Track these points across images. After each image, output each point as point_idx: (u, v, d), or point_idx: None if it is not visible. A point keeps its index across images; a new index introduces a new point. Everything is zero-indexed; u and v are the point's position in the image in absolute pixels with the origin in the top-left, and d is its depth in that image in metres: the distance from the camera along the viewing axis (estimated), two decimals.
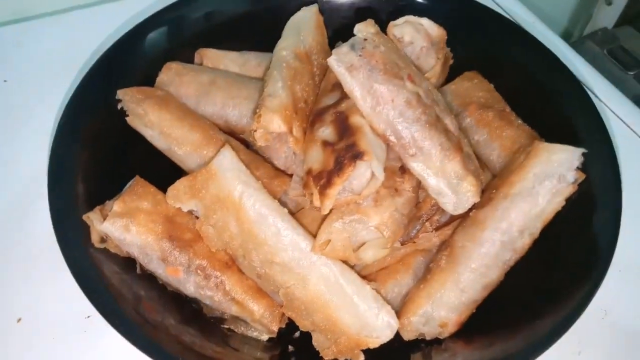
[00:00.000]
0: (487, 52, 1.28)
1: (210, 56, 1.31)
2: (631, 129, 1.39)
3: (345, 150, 0.89)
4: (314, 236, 0.95)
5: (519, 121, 1.16)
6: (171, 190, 0.98)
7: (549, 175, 0.93)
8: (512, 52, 1.26)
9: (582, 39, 2.24)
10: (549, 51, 1.23)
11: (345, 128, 0.94)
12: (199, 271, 0.97)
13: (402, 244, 1.04)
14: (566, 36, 2.55)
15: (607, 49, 2.15)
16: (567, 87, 1.17)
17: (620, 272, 1.13)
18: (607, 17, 2.22)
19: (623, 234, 1.03)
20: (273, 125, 0.97)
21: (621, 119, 1.41)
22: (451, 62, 1.24)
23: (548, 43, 1.57)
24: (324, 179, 0.89)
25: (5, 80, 1.46)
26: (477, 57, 1.28)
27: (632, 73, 2.01)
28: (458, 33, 1.19)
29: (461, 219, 1.03)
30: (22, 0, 1.66)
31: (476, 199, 0.96)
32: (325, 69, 1.12)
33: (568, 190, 0.93)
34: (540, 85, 1.20)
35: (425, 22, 1.12)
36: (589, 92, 1.44)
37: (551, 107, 1.17)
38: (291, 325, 0.99)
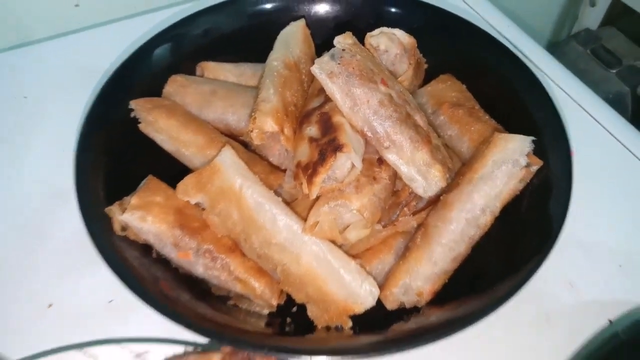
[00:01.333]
0: (459, 56, 1.39)
1: (210, 68, 1.39)
2: (604, 128, 1.48)
3: (328, 144, 1.00)
4: (305, 220, 1.04)
5: (487, 117, 1.27)
6: (180, 185, 1.06)
7: (505, 161, 1.03)
8: (481, 55, 1.37)
9: (567, 40, 2.29)
10: (512, 54, 1.34)
11: (328, 126, 1.04)
12: (206, 254, 1.05)
13: (384, 227, 1.13)
14: (554, 37, 2.61)
15: (590, 48, 2.22)
16: (529, 87, 1.27)
17: (585, 250, 1.23)
18: (591, 18, 2.28)
19: (587, 216, 1.18)
20: (267, 126, 1.07)
21: (594, 119, 1.50)
22: (425, 66, 1.35)
23: (521, 46, 1.68)
24: (311, 169, 0.99)
25: (25, 97, 1.55)
26: (450, 61, 1.38)
27: (614, 71, 2.08)
28: (431, 40, 1.30)
29: (434, 204, 1.14)
30: (37, 23, 1.76)
31: (443, 184, 1.06)
32: (313, 76, 1.24)
33: (522, 173, 1.03)
34: (507, 85, 1.30)
35: (398, 32, 1.22)
36: (563, 92, 1.54)
37: (516, 105, 1.27)
38: (288, 302, 1.09)
